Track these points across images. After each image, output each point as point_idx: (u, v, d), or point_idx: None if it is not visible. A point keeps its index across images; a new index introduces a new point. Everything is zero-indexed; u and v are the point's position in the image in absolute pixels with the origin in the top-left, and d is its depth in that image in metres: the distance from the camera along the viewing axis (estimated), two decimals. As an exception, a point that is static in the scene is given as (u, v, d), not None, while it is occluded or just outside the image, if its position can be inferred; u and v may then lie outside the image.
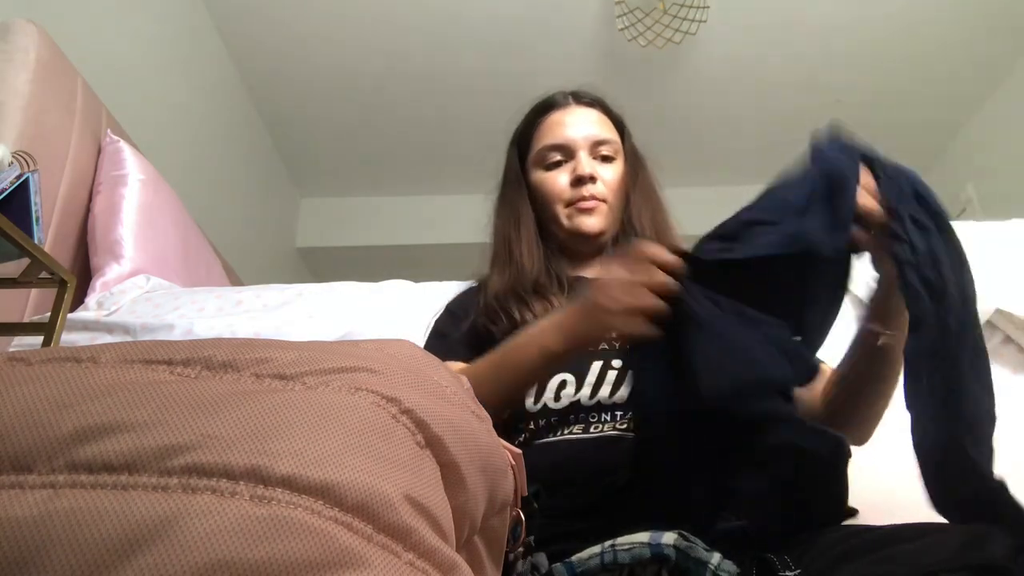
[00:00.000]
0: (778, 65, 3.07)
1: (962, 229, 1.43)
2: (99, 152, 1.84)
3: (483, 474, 0.43)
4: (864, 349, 0.84)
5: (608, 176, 1.07)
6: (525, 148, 1.14)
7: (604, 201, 1.06)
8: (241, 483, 0.31)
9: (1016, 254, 1.31)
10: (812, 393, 0.92)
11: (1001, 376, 1.24)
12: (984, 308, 1.22)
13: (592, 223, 1.05)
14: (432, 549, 0.34)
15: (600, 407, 0.87)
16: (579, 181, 1.05)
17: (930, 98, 3.24)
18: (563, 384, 0.89)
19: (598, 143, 1.08)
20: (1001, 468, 1.11)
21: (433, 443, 0.39)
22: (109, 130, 1.88)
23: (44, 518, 0.29)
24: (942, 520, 0.66)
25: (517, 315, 0.97)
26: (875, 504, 1.06)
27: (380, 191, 3.83)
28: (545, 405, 0.89)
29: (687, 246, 1.02)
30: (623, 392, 0.87)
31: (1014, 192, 3.03)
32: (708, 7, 2.64)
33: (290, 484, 0.31)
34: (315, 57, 3.01)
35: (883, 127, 3.40)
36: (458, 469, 0.40)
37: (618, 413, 0.86)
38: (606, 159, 1.09)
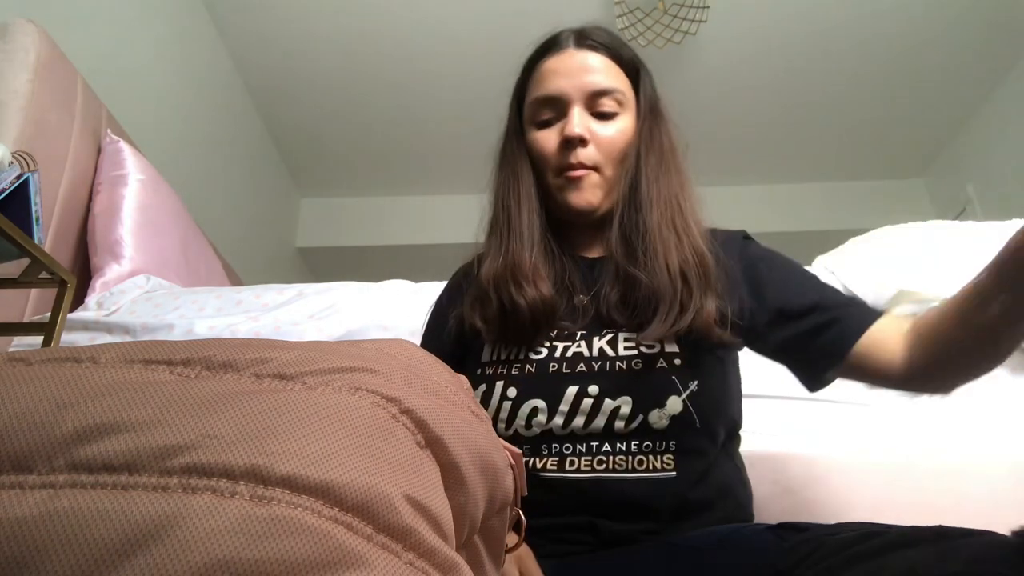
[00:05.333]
0: (778, 65, 3.07)
1: (962, 229, 1.44)
2: (99, 152, 1.84)
3: (483, 474, 0.43)
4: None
5: (607, 134, 0.91)
6: (522, 100, 0.99)
7: (595, 169, 0.91)
8: (241, 483, 0.31)
9: (1016, 254, 1.31)
10: (884, 347, 0.81)
11: (1001, 376, 1.25)
12: (984, 308, 1.22)
13: (580, 198, 0.91)
14: (432, 549, 0.34)
15: (574, 437, 0.80)
16: (567, 144, 0.90)
17: (930, 98, 3.24)
18: (534, 411, 0.82)
19: (596, 95, 0.92)
20: (1001, 468, 1.11)
21: (433, 443, 0.39)
22: (109, 130, 1.88)
23: (44, 518, 0.29)
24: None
25: (511, 299, 0.87)
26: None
27: (380, 191, 3.83)
28: (516, 432, 0.82)
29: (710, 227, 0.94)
30: (599, 422, 0.80)
31: (1014, 192, 3.03)
32: (708, 7, 2.64)
33: (290, 484, 0.31)
34: (315, 57, 3.01)
35: (883, 127, 3.41)
36: (458, 469, 0.40)
37: (593, 445, 0.79)
38: (606, 115, 0.92)
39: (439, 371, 0.47)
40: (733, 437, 0.89)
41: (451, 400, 0.44)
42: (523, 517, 0.54)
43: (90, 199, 1.78)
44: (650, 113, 0.96)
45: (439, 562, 0.34)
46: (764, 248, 0.96)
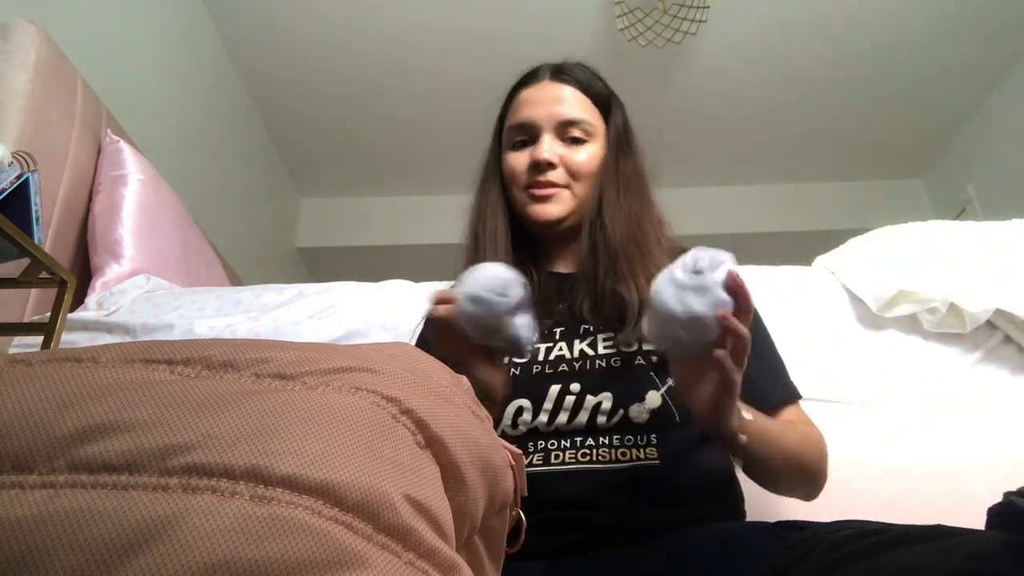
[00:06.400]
0: (778, 65, 3.07)
1: (962, 229, 1.44)
2: (99, 152, 1.84)
3: (483, 474, 0.43)
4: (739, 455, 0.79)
5: (577, 159, 0.99)
6: (502, 127, 1.07)
7: (566, 187, 0.98)
8: (241, 483, 0.31)
9: (1016, 254, 1.31)
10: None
11: (1001, 376, 1.25)
12: (984, 308, 1.22)
13: (546, 211, 0.98)
14: (432, 549, 0.34)
15: (559, 434, 0.83)
16: (536, 167, 0.98)
17: (930, 98, 3.24)
18: (520, 410, 0.85)
19: (565, 124, 0.99)
20: (1001, 468, 1.11)
21: (433, 443, 0.39)
22: (109, 130, 1.88)
23: (44, 518, 0.29)
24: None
25: None
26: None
27: (380, 191, 3.83)
28: (503, 432, 0.85)
29: (680, 244, 0.98)
30: (582, 417, 0.83)
31: (1014, 192, 3.03)
32: (708, 7, 2.64)
33: (290, 484, 0.31)
34: (315, 57, 3.01)
35: (883, 127, 3.41)
36: (458, 469, 0.40)
37: (578, 440, 0.82)
38: (576, 141, 1.00)
39: (439, 372, 0.47)
40: None
41: (451, 400, 0.44)
42: (523, 517, 0.54)
43: (90, 199, 1.78)
44: (618, 144, 1.02)
45: (439, 562, 0.34)
46: None
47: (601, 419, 0.82)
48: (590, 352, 0.88)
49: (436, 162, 3.56)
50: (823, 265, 1.50)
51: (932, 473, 1.12)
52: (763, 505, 0.95)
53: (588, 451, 0.81)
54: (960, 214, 3.34)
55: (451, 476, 0.40)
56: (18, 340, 1.45)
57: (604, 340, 0.89)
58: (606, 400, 0.83)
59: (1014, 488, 0.58)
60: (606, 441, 0.81)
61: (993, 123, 3.22)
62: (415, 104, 3.25)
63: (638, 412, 0.82)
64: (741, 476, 0.90)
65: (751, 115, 3.33)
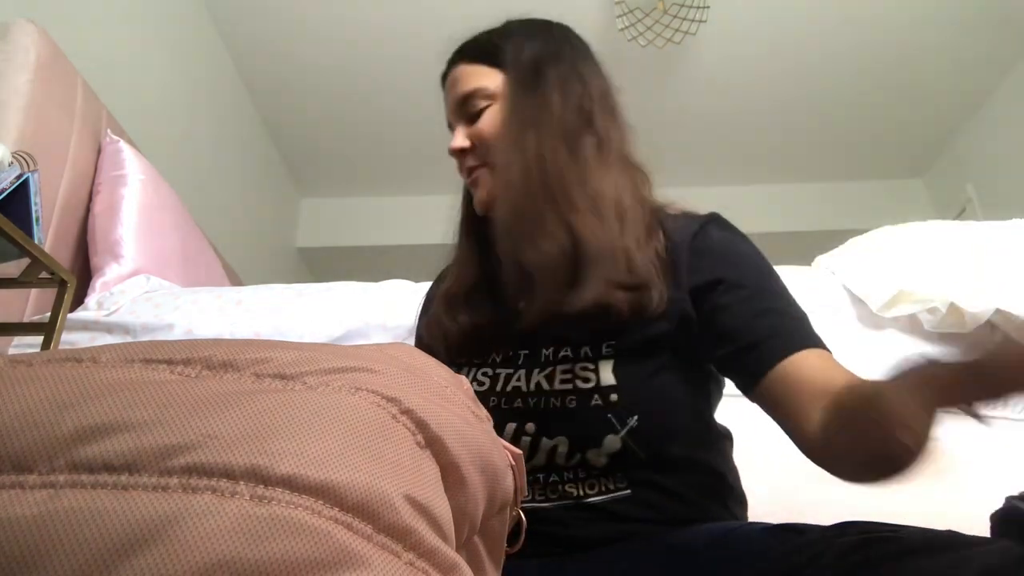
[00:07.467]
0: (778, 65, 3.07)
1: (962, 229, 1.44)
2: (99, 152, 1.84)
3: (483, 474, 0.43)
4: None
5: (483, 129, 0.89)
6: None
7: (483, 165, 0.90)
8: (241, 483, 0.31)
9: (1016, 254, 1.31)
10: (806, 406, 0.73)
11: (1001, 376, 1.24)
12: (984, 308, 1.22)
13: (478, 199, 0.91)
14: (432, 549, 0.34)
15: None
16: (456, 159, 0.93)
17: (930, 98, 3.24)
18: None
19: (461, 105, 0.92)
20: (1001, 469, 1.11)
21: (433, 443, 0.39)
22: (109, 130, 1.88)
23: (44, 518, 0.29)
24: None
25: (445, 323, 0.88)
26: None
27: (380, 191, 3.83)
28: None
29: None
30: (539, 459, 0.78)
31: (1014, 192, 3.03)
32: (708, 7, 2.64)
33: (290, 484, 0.31)
34: (315, 57, 3.01)
35: (883, 127, 3.41)
36: (458, 469, 0.40)
37: (540, 476, 0.77)
38: (478, 114, 0.91)
39: (439, 372, 0.47)
40: (706, 443, 0.85)
41: (451, 400, 0.44)
42: (523, 517, 0.54)
43: (90, 199, 1.78)
44: (518, 84, 0.90)
45: (439, 562, 0.34)
46: (721, 239, 0.87)
47: (559, 460, 0.78)
48: (546, 386, 0.80)
49: (436, 162, 3.55)
50: (823, 265, 1.50)
51: (931, 473, 1.12)
52: (767, 506, 0.95)
53: (554, 486, 0.77)
54: (960, 214, 3.34)
55: (451, 476, 0.40)
56: (18, 340, 1.45)
57: (562, 372, 0.80)
58: (562, 444, 0.77)
59: (1015, 492, 0.57)
60: (570, 476, 0.78)
61: (993, 123, 3.22)
62: (415, 104, 3.24)
63: (595, 456, 0.77)
64: (745, 478, 0.89)
65: (751, 115, 3.33)
